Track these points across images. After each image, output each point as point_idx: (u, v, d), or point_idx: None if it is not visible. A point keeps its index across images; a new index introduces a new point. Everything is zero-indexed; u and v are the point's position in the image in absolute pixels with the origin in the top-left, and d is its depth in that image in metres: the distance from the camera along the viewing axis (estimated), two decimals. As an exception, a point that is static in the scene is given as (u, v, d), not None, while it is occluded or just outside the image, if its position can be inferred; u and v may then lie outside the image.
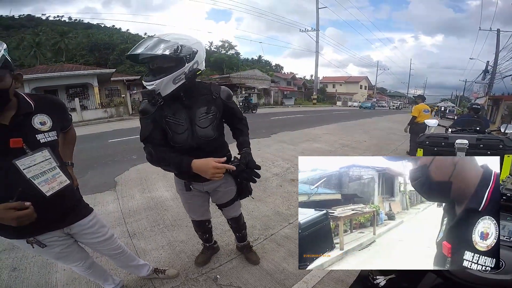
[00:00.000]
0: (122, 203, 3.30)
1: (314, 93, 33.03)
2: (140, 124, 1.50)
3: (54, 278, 2.08)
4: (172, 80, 1.33)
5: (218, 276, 2.11)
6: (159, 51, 1.25)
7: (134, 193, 3.66)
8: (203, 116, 1.49)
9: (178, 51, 1.30)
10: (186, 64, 1.36)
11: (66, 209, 1.30)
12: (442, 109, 25.54)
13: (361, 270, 0.91)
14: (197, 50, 1.40)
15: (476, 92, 26.62)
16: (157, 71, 1.35)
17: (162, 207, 3.32)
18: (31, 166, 1.09)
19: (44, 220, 1.13)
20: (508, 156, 1.16)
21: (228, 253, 2.46)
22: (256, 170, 1.51)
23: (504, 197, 0.75)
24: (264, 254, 2.49)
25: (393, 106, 42.86)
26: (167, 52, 1.26)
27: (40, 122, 1.16)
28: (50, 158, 1.16)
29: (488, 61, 22.96)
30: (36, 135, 1.13)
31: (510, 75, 17.96)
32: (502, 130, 1.78)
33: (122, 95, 19.69)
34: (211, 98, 1.53)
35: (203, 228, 2.11)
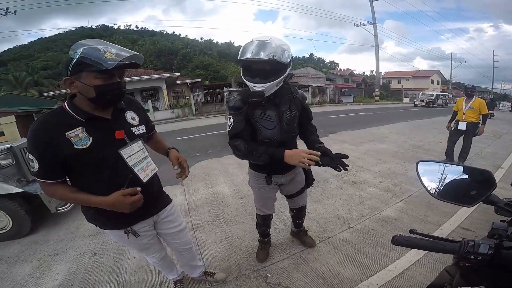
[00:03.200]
0: (188, 196, 3.78)
1: (376, 89, 31.88)
2: (230, 120, 1.69)
3: (125, 265, 2.47)
4: (276, 83, 1.57)
5: (268, 274, 2.26)
6: (275, 56, 1.44)
7: (199, 188, 4.13)
8: (288, 114, 1.74)
9: (286, 57, 1.52)
10: (288, 69, 1.59)
11: (155, 195, 1.50)
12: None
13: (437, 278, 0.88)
14: (292, 55, 1.60)
15: None
16: (264, 74, 1.53)
17: (222, 202, 3.68)
18: (131, 155, 1.25)
19: (141, 208, 1.25)
20: None
21: (280, 252, 2.60)
22: (343, 160, 1.61)
23: None
24: (319, 257, 2.55)
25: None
26: (278, 58, 1.46)
27: (131, 117, 1.35)
28: (143, 147, 1.35)
29: None
30: (131, 128, 1.31)
31: None
32: None
33: (187, 97, 22.19)
34: (292, 98, 1.78)
35: (268, 222, 2.38)
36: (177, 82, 23.57)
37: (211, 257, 2.47)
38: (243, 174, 4.94)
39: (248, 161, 1.96)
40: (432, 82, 52.69)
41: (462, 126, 5.33)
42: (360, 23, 32.90)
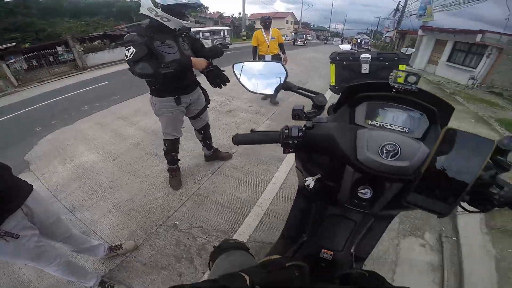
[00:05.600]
0: (45, 181, 3.14)
1: (243, 29, 34.83)
2: (129, 51, 1.93)
3: (23, 276, 2.01)
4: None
5: (176, 222, 2.40)
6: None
7: (55, 167, 3.46)
8: (184, 42, 2.24)
9: None
10: None
11: (13, 185, 1.31)
12: (359, 41, 29.92)
13: (299, 185, 1.19)
14: None
15: (387, 27, 33.79)
16: (185, 14, 2.14)
17: (93, 171, 3.29)
18: None
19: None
20: (402, 65, 1.59)
21: (178, 197, 2.74)
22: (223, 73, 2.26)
23: (393, 90, 0.86)
24: (215, 189, 2.86)
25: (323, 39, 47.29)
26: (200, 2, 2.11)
27: None
28: None
29: (399, 1, 27.21)
30: None
31: (415, 14, 21.26)
32: (403, 51, 2.22)
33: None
34: (183, 33, 2.25)
35: (177, 146, 2.76)
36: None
37: (108, 231, 2.34)
38: (108, 133, 4.48)
39: (150, 91, 2.34)
40: (287, 22, 63.04)
41: (268, 59, 5.19)
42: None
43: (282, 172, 3.17)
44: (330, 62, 1.90)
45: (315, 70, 10.61)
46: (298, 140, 0.76)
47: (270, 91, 0.86)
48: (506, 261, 2.03)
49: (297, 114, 0.77)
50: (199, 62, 2.15)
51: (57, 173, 3.33)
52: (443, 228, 2.39)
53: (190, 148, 3.66)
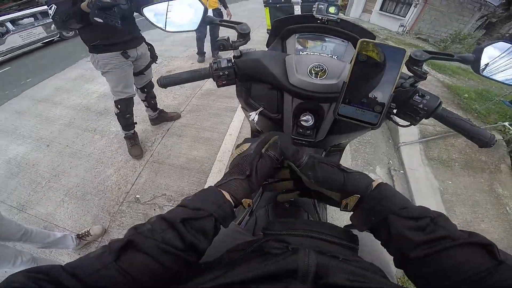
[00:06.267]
0: None
1: None
2: (52, 8, 1.86)
3: None
4: None
5: (137, 196, 2.36)
6: None
7: None
8: None
9: None
10: None
11: None
12: None
13: (251, 127, 1.27)
14: None
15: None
16: None
17: (28, 164, 2.98)
18: None
19: None
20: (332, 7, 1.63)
21: (132, 170, 2.66)
22: None
23: (318, 21, 0.91)
24: (170, 152, 2.81)
25: None
26: None
27: None
28: None
29: None
30: None
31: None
32: None
33: None
34: None
35: (130, 106, 2.58)
36: None
37: (69, 221, 2.24)
38: (32, 119, 3.94)
39: (89, 49, 2.19)
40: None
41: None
42: None
43: (237, 122, 3.19)
44: (265, 6, 1.93)
45: (255, 20, 10.23)
46: (229, 70, 0.78)
47: (190, 27, 0.82)
48: (448, 193, 2.33)
49: (222, 44, 0.75)
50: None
51: (-14, 175, 2.98)
52: (390, 161, 2.67)
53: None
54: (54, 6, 1.85)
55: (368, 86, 0.57)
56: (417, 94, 0.66)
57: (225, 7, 5.09)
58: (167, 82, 0.80)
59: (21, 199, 2.56)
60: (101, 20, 1.82)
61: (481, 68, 0.68)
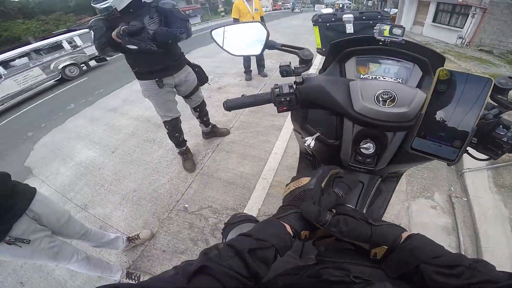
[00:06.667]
0: (52, 183, 3.24)
1: (220, 5, 35.04)
2: (92, 33, 2.04)
3: (58, 276, 2.14)
4: None
5: (186, 205, 2.51)
6: None
7: (58, 168, 3.52)
8: (151, 22, 2.08)
9: None
10: None
11: (14, 192, 1.35)
12: (340, 6, 29.31)
13: (300, 150, 1.24)
14: None
15: (369, -10, 32.92)
16: None
17: (94, 167, 3.36)
18: None
19: None
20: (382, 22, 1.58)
21: (183, 180, 2.84)
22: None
23: (380, 43, 0.87)
24: (218, 166, 2.95)
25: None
26: None
27: None
28: None
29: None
30: None
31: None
32: (386, 10, 2.22)
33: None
34: (151, 8, 2.10)
35: (178, 126, 2.74)
36: None
37: (123, 223, 2.46)
38: (102, 126, 4.50)
39: (135, 75, 2.36)
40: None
41: None
42: None
43: (282, 141, 3.25)
44: (314, 25, 1.90)
45: (299, 37, 10.67)
46: (291, 96, 0.77)
47: (254, 51, 0.86)
48: None
49: (285, 70, 0.75)
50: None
51: (61, 174, 3.41)
52: (451, 188, 2.45)
53: (186, 129, 3.67)
54: (92, 32, 2.04)
55: (447, 119, 0.53)
56: (501, 126, 0.59)
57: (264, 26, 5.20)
58: (232, 105, 0.81)
59: (85, 199, 2.88)
60: (135, 47, 1.98)
61: None
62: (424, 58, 0.84)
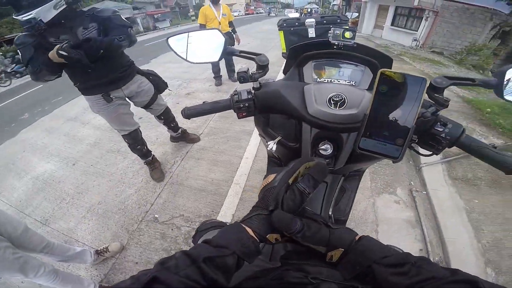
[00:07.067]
0: (7, 199, 3.00)
1: (191, 9, 34.86)
2: (20, 54, 1.80)
3: None
4: (50, 6, 1.68)
5: (156, 215, 2.46)
6: None
7: (12, 183, 3.25)
8: (85, 33, 1.88)
9: None
10: None
11: None
12: (309, 10, 31.28)
13: (267, 154, 1.27)
14: None
15: (334, -5, 35.19)
16: (28, 4, 1.62)
17: (54, 181, 3.17)
18: None
19: None
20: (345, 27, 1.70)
21: (152, 190, 2.78)
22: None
23: (334, 47, 0.91)
24: (188, 174, 2.93)
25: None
26: None
27: None
28: None
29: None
30: None
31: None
32: (348, 16, 2.35)
33: None
34: (85, 17, 1.91)
35: (138, 138, 2.61)
36: None
37: (89, 236, 2.36)
38: (61, 137, 4.25)
39: (79, 91, 2.15)
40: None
41: None
42: None
43: (253, 145, 3.30)
44: (279, 30, 1.99)
45: (270, 41, 11.02)
46: (249, 102, 0.79)
47: (213, 58, 0.86)
48: (475, 212, 2.30)
49: (242, 76, 0.77)
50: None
51: (16, 189, 3.17)
52: (411, 182, 2.66)
53: (153, 138, 3.63)
54: (19, 52, 1.79)
55: (389, 118, 0.56)
56: (439, 123, 0.64)
57: (234, 32, 5.23)
58: (191, 113, 0.81)
59: (46, 214, 2.71)
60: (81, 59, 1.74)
61: (504, 92, 0.67)
62: (374, 60, 0.90)
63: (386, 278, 0.43)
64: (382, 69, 0.53)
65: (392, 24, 16.61)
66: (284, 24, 2.01)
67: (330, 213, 1.02)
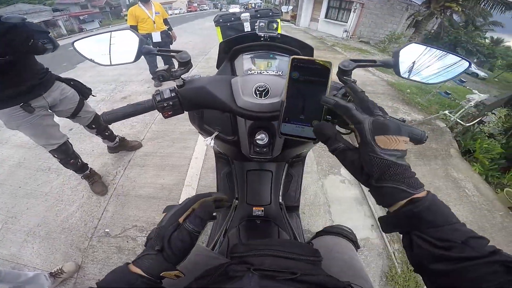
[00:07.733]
0: None
1: (124, 9, 33.07)
2: None
3: None
4: None
5: (107, 230, 2.40)
6: None
7: None
8: None
9: None
10: None
11: None
12: (253, 5, 32.87)
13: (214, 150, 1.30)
14: None
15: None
16: None
17: (-24, 210, 2.87)
18: None
19: None
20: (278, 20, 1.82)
21: (96, 205, 2.68)
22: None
23: (262, 38, 0.93)
24: (134, 183, 2.88)
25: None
26: None
27: None
28: None
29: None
30: None
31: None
32: (284, 9, 2.53)
33: None
34: None
35: (70, 151, 2.42)
36: None
37: (38, 260, 2.23)
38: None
39: None
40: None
41: (157, 37, 4.85)
42: None
43: (202, 144, 3.34)
44: (216, 25, 1.98)
45: (213, 38, 10.76)
46: (173, 100, 0.76)
47: (129, 59, 0.83)
48: None
49: (161, 75, 0.75)
50: None
51: None
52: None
53: (88, 150, 3.43)
54: None
55: (303, 102, 0.58)
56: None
57: (170, 29, 5.14)
58: (111, 118, 0.75)
59: (-23, 247, 2.45)
60: None
61: (401, 71, 0.73)
62: (297, 50, 0.96)
63: (425, 247, 0.40)
64: (293, 56, 0.55)
65: (325, 17, 17.87)
66: (221, 20, 2.01)
67: (280, 201, 1.12)
